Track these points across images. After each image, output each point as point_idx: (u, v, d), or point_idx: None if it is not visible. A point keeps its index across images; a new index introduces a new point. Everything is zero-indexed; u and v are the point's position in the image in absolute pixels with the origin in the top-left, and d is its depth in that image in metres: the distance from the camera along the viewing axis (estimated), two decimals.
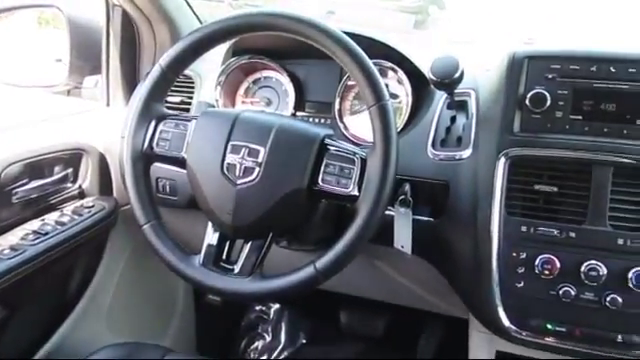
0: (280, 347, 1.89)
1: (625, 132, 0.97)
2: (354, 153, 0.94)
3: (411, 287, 1.31)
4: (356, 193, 0.92)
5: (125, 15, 1.42)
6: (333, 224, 1.10)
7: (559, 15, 1.83)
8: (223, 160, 0.97)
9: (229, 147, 0.97)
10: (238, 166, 0.96)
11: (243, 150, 0.96)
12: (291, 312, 1.93)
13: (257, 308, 1.95)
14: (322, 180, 0.94)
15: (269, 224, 0.98)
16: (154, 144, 1.03)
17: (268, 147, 0.95)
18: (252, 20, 0.97)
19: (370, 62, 0.92)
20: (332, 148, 0.95)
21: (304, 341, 1.89)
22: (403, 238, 1.07)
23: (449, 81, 1.03)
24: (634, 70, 0.97)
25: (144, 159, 1.03)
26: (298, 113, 1.30)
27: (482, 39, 1.86)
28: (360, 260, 1.19)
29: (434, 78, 1.03)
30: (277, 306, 1.95)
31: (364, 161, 0.93)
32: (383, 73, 1.21)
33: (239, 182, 0.96)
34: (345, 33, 0.95)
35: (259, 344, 1.91)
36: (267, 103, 1.33)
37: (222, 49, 1.33)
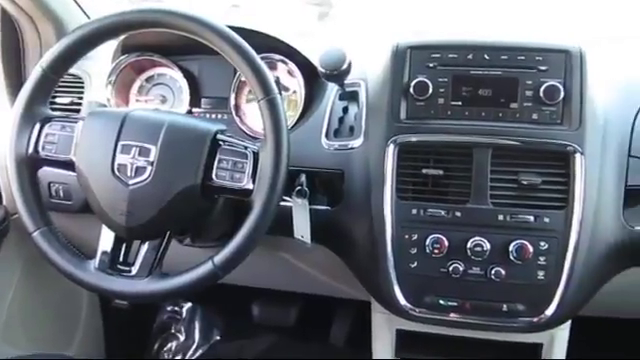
0: (194, 346, 1.88)
1: (500, 115, 1.03)
2: (246, 147, 0.95)
3: (316, 275, 1.34)
4: (250, 187, 0.93)
5: (5, 14, 1.35)
6: (234, 219, 1.11)
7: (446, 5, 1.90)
8: (113, 161, 0.95)
9: (119, 147, 0.95)
10: (129, 166, 0.95)
11: (134, 150, 0.95)
12: (204, 309, 1.92)
13: (169, 308, 1.92)
14: (216, 176, 0.95)
15: (165, 223, 0.97)
16: (39, 148, 0.99)
17: (159, 145, 0.94)
18: (135, 17, 0.96)
19: (256, 56, 0.93)
20: (224, 143, 0.96)
21: (218, 337, 1.89)
22: (302, 228, 1.09)
23: (338, 73, 1.06)
24: (506, 57, 1.04)
25: (29, 164, 0.99)
26: (194, 110, 1.29)
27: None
28: (265, 252, 1.21)
29: (323, 70, 1.06)
30: (189, 304, 1.93)
31: (256, 155, 0.94)
32: (273, 66, 1.23)
33: (131, 182, 0.94)
34: (232, 28, 0.96)
35: (172, 345, 1.89)
36: (162, 101, 1.31)
37: (112, 47, 1.29)
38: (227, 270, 0.94)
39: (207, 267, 0.93)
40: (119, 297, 0.99)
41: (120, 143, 0.96)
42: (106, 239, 0.99)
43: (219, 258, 0.93)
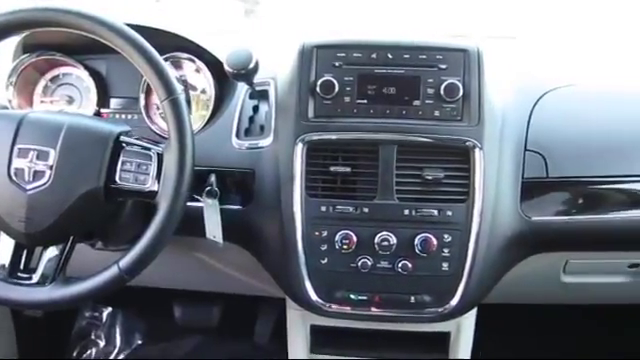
0: (115, 351, 1.84)
1: (404, 112, 1.06)
2: (150, 148, 0.94)
3: (233, 274, 1.34)
4: (155, 188, 0.92)
5: None
6: (144, 221, 1.09)
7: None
8: (9, 165, 0.92)
9: (15, 151, 0.92)
10: (27, 170, 0.92)
11: (31, 153, 0.92)
12: (125, 313, 1.88)
13: (87, 314, 1.87)
14: (119, 178, 0.93)
15: (67, 228, 0.94)
16: None
17: (58, 148, 0.92)
18: (28, 16, 0.93)
19: (157, 56, 0.92)
20: (128, 145, 0.94)
21: (140, 341, 1.86)
22: (213, 228, 1.08)
23: (245, 72, 1.06)
24: (408, 56, 1.07)
25: None
26: (103, 110, 1.26)
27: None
28: (180, 253, 1.20)
29: (230, 70, 1.06)
30: (110, 309, 1.88)
31: (161, 156, 0.93)
32: (179, 65, 1.22)
33: (29, 187, 0.91)
34: (136, 27, 0.94)
35: (92, 351, 1.84)
36: (68, 102, 1.27)
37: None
38: (134, 274, 0.93)
39: (113, 271, 0.92)
40: (18, 306, 0.96)
41: (16, 147, 0.92)
42: (5, 247, 0.95)
43: (125, 262, 0.92)
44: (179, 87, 0.93)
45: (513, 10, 1.73)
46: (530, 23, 1.74)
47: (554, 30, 1.74)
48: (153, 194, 0.92)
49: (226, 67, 1.06)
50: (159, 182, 0.92)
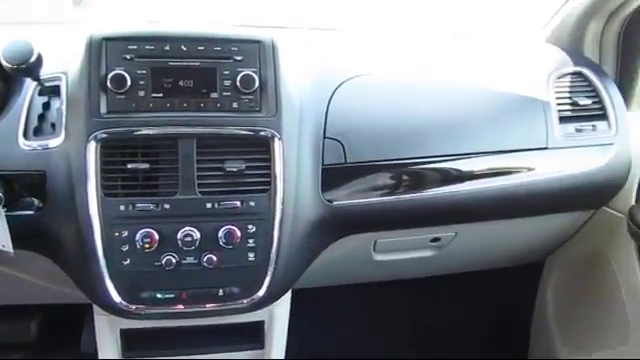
0: None
1: (202, 105, 1.05)
2: None
3: (41, 283, 1.25)
4: None
5: None
6: None
7: None
8: None
9: None
10: None
11: None
12: None
13: None
14: None
15: None
16: None
17: None
18: None
19: None
20: None
21: None
22: (2, 237, 1.00)
23: (26, 66, 0.98)
24: (203, 48, 1.05)
25: None
26: None
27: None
28: None
29: (8, 65, 0.98)
30: None
31: None
32: None
33: None
34: None
35: None
36: None
37: None
38: None
39: None
40: None
41: None
42: None
43: None
44: None
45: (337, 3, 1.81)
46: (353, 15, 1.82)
47: (373, 23, 1.83)
48: None
49: (2, 62, 0.97)
50: None
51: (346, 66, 1.24)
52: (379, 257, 1.37)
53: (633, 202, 1.33)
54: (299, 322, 1.30)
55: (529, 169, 1.25)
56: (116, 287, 1.02)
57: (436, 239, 1.36)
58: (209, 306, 1.07)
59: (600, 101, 1.34)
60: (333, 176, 1.13)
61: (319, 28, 1.66)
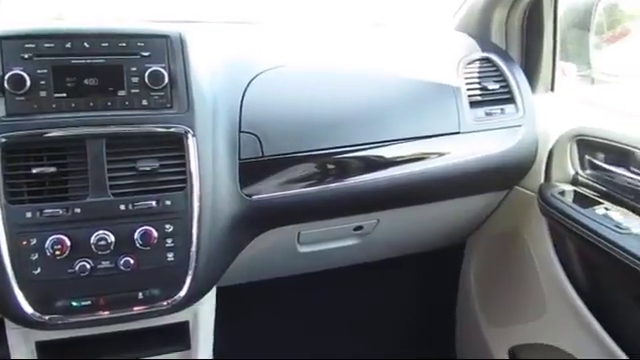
0: None
1: (110, 104, 1.01)
2: None
3: None
4: None
5: None
6: None
7: None
8: None
9: None
10: None
11: None
12: None
13: None
14: None
15: None
16: None
17: None
18: None
19: None
20: None
21: None
22: None
23: None
24: (107, 44, 1.01)
25: None
26: None
27: None
28: None
29: None
30: None
31: None
32: None
33: None
34: None
35: None
36: None
37: None
38: None
39: None
40: None
41: None
42: None
43: None
44: None
45: None
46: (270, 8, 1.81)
47: (290, 15, 1.82)
48: None
49: None
50: None
51: (261, 59, 1.23)
52: (304, 249, 1.38)
53: (542, 180, 1.39)
54: (226, 320, 1.28)
55: (444, 153, 1.29)
56: (27, 298, 0.97)
57: (359, 227, 1.37)
58: (129, 310, 1.03)
59: (507, 85, 1.39)
60: (251, 170, 1.12)
61: (234, 22, 1.64)
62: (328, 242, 1.40)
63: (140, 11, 1.73)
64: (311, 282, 1.53)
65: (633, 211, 1.19)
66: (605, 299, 1.29)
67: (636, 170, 1.19)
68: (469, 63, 1.39)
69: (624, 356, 1.21)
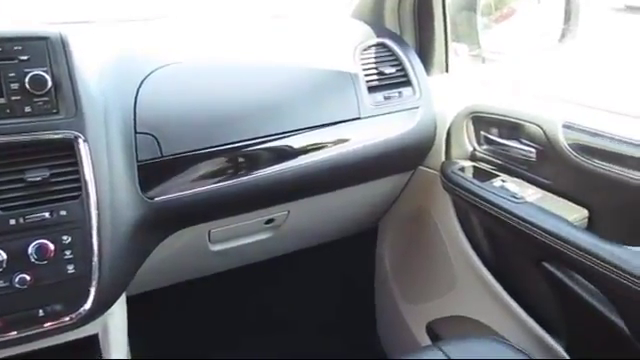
0: None
1: None
2: None
3: None
4: None
5: None
6: None
7: None
8: None
9: None
10: None
11: None
12: None
13: None
14: None
15: None
16: None
17: None
18: None
19: None
20: None
21: None
22: None
23: None
24: None
25: None
26: None
27: None
28: None
29: None
30: None
31: None
32: None
33: None
34: None
35: None
36: None
37: None
38: None
39: None
40: None
41: None
42: None
43: None
44: None
45: None
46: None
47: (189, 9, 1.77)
48: None
49: None
50: None
51: (154, 56, 1.19)
52: (216, 247, 1.36)
53: (443, 159, 1.44)
54: (142, 328, 1.24)
55: (346, 140, 1.30)
56: None
57: (270, 220, 1.37)
58: (31, 329, 0.98)
59: (403, 69, 1.43)
60: (151, 172, 1.09)
61: (129, 20, 1.58)
62: (240, 238, 1.39)
63: (29, 13, 1.63)
64: (228, 280, 1.51)
65: (527, 181, 1.26)
66: (509, 267, 1.36)
67: (526, 142, 1.25)
68: (365, 49, 1.41)
69: (530, 320, 1.28)
